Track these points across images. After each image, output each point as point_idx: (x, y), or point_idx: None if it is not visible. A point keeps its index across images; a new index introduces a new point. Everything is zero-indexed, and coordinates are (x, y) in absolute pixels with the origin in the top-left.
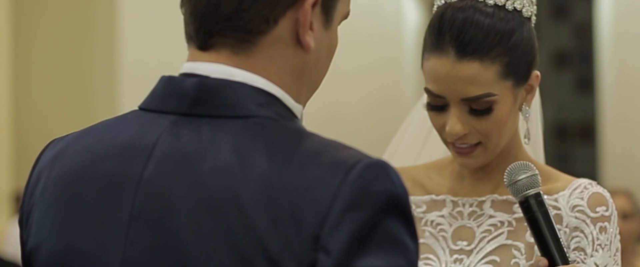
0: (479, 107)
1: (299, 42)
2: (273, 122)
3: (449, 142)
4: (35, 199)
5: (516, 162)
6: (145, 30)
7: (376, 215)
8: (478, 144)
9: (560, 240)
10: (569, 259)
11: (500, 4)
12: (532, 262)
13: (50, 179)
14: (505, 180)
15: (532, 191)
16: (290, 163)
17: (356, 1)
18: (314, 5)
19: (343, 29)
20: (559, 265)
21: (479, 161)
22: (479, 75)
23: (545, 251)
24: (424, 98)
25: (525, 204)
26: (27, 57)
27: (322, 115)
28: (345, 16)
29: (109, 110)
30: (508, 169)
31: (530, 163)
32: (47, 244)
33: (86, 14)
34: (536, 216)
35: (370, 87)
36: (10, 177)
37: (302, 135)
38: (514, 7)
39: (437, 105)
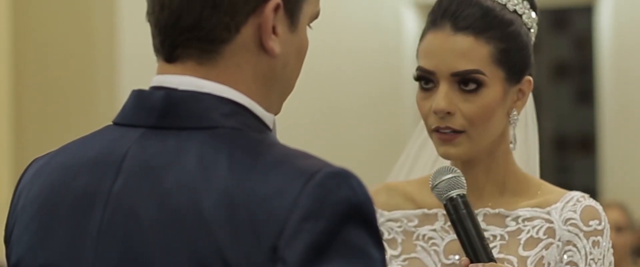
0: (468, 87)
1: (263, 48)
2: (238, 132)
3: (433, 130)
4: (17, 216)
5: (441, 167)
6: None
7: (336, 224)
8: (462, 132)
9: (485, 241)
10: (494, 259)
11: (502, 3)
12: None
13: (29, 196)
14: (429, 184)
15: (453, 192)
16: (251, 173)
17: (357, 13)
18: (276, 9)
19: (344, 39)
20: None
21: (461, 150)
22: (472, 50)
23: (468, 251)
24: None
25: (447, 206)
26: (27, 57)
27: (322, 122)
28: (315, 16)
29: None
30: (432, 174)
31: (454, 168)
32: (25, 260)
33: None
34: (458, 216)
35: (371, 96)
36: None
37: (265, 145)
38: (515, 10)
39: (426, 87)
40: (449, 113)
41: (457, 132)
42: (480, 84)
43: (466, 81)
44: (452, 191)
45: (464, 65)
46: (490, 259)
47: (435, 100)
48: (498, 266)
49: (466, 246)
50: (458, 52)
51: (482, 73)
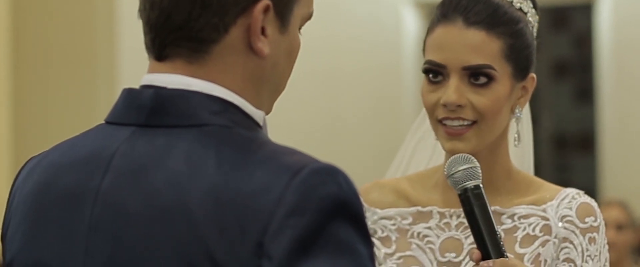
0: (478, 81)
1: (252, 48)
2: (226, 130)
3: (440, 121)
4: (11, 215)
5: (457, 155)
6: None
7: (321, 219)
8: (472, 124)
9: (497, 233)
10: (505, 254)
11: (508, 0)
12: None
13: (22, 195)
14: (444, 171)
15: (469, 183)
16: (238, 170)
17: (357, 10)
18: (265, 11)
19: (343, 36)
20: (492, 258)
21: (469, 145)
22: (484, 45)
23: (479, 243)
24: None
25: (462, 197)
26: (27, 56)
27: (322, 119)
28: (308, 18)
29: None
30: (448, 161)
31: (471, 156)
32: (18, 259)
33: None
34: (472, 208)
35: (370, 92)
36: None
37: (253, 142)
38: (520, 8)
39: (435, 80)
40: (459, 106)
41: (467, 125)
42: (490, 79)
43: (477, 75)
44: (468, 182)
45: (475, 60)
46: (501, 253)
47: (446, 94)
48: (507, 262)
49: (478, 239)
50: (470, 46)
51: (493, 68)
